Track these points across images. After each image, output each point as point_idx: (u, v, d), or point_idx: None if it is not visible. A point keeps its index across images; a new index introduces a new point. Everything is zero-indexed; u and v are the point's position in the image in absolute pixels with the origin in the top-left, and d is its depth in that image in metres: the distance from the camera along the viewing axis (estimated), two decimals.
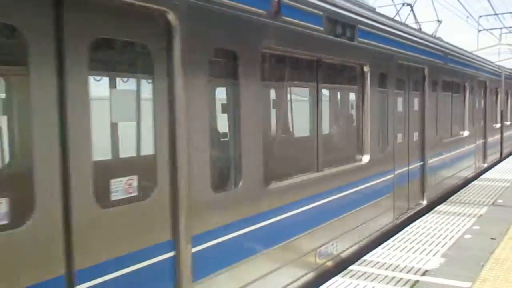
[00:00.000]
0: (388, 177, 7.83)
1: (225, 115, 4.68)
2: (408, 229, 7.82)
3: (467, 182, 12.46)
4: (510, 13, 37.24)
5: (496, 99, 17.36)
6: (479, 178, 13.00)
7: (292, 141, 6.80)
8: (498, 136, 17.58)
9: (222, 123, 4.78)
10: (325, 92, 6.76)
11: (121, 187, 3.42)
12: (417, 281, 5.56)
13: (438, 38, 11.53)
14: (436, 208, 9.31)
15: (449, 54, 11.35)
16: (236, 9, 4.41)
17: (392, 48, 7.81)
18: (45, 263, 2.89)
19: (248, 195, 4.57)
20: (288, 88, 6.50)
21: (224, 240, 4.27)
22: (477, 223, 8.10)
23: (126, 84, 4.89)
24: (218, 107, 5.12)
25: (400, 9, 12.85)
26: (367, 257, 6.45)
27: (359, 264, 6.17)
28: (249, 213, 4.60)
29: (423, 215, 8.76)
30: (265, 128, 5.00)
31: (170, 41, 3.69)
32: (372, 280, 5.60)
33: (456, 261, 6.20)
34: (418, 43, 9.28)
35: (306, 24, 5.48)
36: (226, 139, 4.64)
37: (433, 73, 9.93)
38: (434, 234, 7.46)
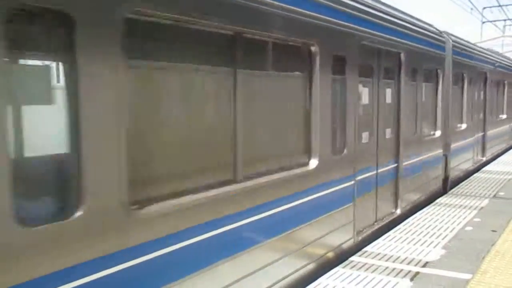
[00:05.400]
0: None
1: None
2: (409, 220, 7.84)
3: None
4: None
5: (437, 86, 10.25)
6: (481, 170, 12.99)
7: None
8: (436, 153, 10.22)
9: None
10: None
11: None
12: (417, 273, 5.57)
13: None
14: (437, 200, 9.32)
15: None
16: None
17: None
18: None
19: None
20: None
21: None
22: (478, 215, 8.10)
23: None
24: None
25: None
26: (368, 248, 6.47)
27: (359, 255, 6.18)
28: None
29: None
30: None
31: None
32: (372, 272, 5.62)
33: (456, 253, 6.21)
34: None
35: None
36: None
37: None
38: (435, 226, 7.47)
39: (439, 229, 7.30)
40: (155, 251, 3.49)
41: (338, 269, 5.69)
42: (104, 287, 3.12)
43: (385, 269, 5.69)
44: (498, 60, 16.68)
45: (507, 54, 24.44)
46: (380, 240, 6.81)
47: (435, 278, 5.43)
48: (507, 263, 5.82)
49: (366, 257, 6.13)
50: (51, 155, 3.11)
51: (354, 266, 5.80)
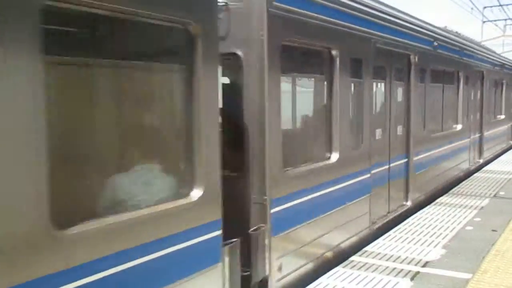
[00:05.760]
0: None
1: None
2: (409, 220, 7.84)
3: None
4: None
5: (187, 79, 4.05)
6: (481, 170, 12.98)
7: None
8: None
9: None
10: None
11: None
12: (417, 272, 5.58)
13: None
14: (437, 200, 9.31)
15: None
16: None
17: None
18: None
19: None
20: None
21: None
22: (479, 215, 8.11)
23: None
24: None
25: None
26: (368, 248, 6.47)
27: (360, 255, 6.19)
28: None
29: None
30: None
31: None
32: (373, 271, 5.62)
33: (457, 253, 6.22)
34: None
35: None
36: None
37: None
38: (435, 226, 7.47)
39: (439, 229, 7.30)
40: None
41: (339, 269, 5.69)
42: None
43: (385, 269, 5.70)
44: (442, 38, 10.26)
45: (507, 54, 24.25)
46: (380, 239, 6.82)
47: (435, 277, 5.43)
48: (507, 262, 5.82)
49: (366, 256, 6.13)
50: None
51: (355, 265, 5.81)
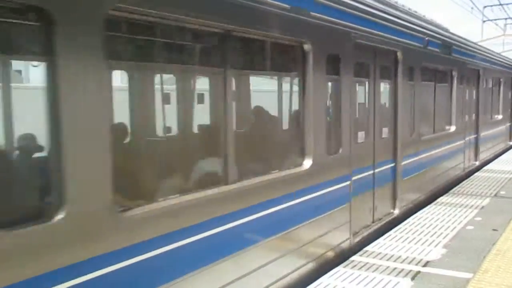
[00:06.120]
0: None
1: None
2: (410, 220, 7.83)
3: None
4: None
5: None
6: (482, 170, 12.97)
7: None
8: None
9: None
10: None
11: None
12: (418, 272, 5.57)
13: None
14: (438, 199, 9.31)
15: None
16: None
17: None
18: None
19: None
20: None
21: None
22: (479, 215, 8.09)
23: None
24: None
25: None
26: (369, 247, 6.46)
27: (360, 255, 6.18)
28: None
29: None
30: None
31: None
32: (373, 271, 5.61)
33: (457, 252, 6.20)
34: None
35: None
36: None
37: None
38: (436, 225, 7.46)
39: (440, 228, 7.29)
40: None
41: (339, 269, 5.68)
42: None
43: (385, 269, 5.68)
44: None
45: (507, 54, 24.14)
46: (380, 239, 6.81)
47: (436, 277, 5.42)
48: (508, 262, 5.81)
49: (366, 256, 6.13)
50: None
51: (355, 265, 5.80)
